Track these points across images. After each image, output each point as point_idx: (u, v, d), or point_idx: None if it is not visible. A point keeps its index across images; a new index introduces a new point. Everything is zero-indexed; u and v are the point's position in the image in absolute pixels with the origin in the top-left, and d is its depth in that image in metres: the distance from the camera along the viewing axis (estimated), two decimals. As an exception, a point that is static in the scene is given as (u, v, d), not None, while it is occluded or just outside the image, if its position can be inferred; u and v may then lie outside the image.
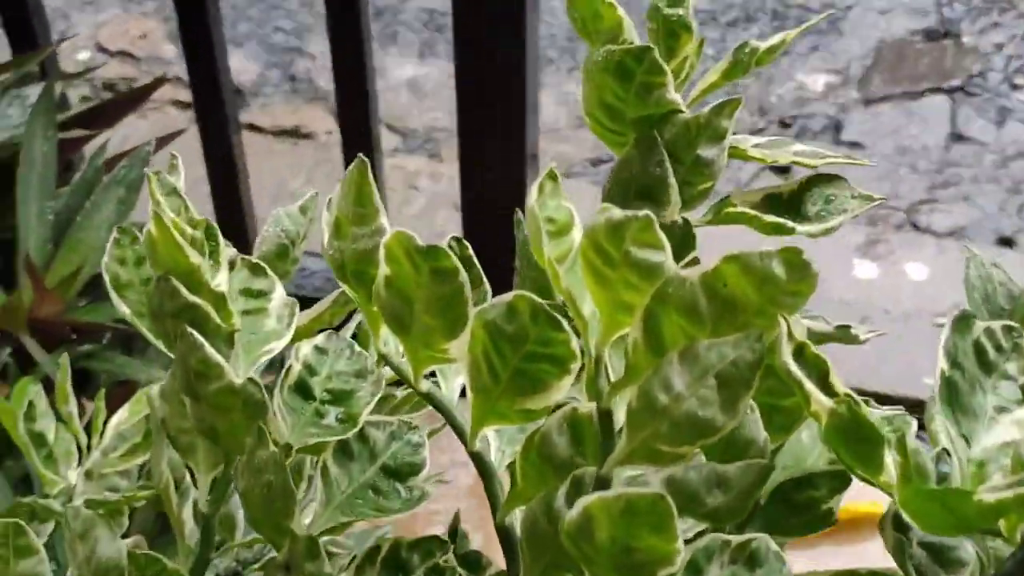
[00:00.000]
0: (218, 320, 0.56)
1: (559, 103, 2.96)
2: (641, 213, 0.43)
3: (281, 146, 2.81)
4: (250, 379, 0.55)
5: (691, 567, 0.50)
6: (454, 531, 0.68)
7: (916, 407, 0.52)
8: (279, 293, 0.65)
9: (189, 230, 0.59)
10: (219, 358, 0.55)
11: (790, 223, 0.63)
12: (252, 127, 2.88)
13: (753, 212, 0.63)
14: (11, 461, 1.29)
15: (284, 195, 2.58)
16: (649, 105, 0.61)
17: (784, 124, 2.80)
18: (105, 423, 0.95)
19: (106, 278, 0.69)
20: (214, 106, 1.89)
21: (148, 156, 1.53)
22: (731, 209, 0.64)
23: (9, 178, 1.48)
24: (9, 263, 1.50)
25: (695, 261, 0.52)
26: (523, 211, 1.70)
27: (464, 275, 0.49)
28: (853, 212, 0.64)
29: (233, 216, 2.06)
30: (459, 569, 0.65)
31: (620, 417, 0.48)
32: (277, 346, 0.63)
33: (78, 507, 0.72)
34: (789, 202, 0.65)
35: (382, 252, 0.51)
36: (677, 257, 0.62)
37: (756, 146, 0.66)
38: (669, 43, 0.64)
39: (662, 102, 0.60)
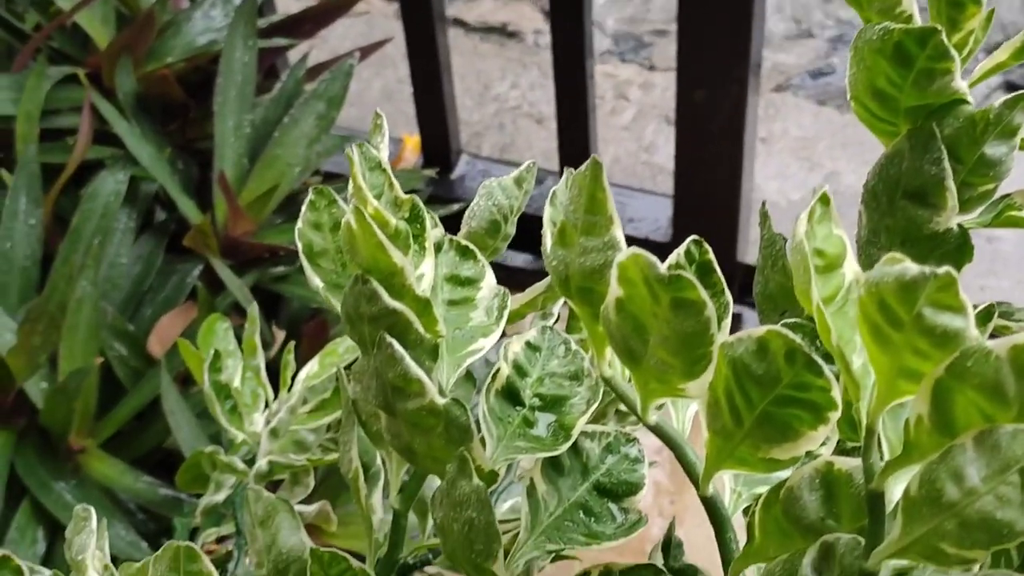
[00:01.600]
0: (421, 330, 0.50)
1: (778, 8, 2.84)
2: (942, 270, 0.36)
3: (487, 46, 2.75)
4: (455, 400, 0.49)
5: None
6: (668, 542, 0.62)
7: None
8: (489, 280, 0.59)
9: (393, 220, 0.53)
10: (420, 374, 0.49)
11: (1085, 234, 0.55)
12: (457, 21, 2.82)
13: (1042, 219, 0.55)
14: (197, 388, 1.26)
15: (488, 99, 2.52)
16: (929, 94, 0.53)
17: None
18: (294, 377, 0.90)
19: (299, 246, 0.64)
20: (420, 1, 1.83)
21: (351, 69, 1.48)
22: (1014, 212, 0.56)
23: (209, 85, 1.44)
24: (205, 178, 1.47)
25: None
26: (742, 128, 1.61)
27: (711, 310, 0.43)
28: None
29: (435, 119, 2.01)
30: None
31: (892, 497, 0.41)
32: (485, 344, 0.57)
33: (259, 490, 0.67)
34: (1085, 204, 0.57)
35: (615, 272, 0.44)
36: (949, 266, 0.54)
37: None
38: (951, 14, 0.56)
39: (945, 92, 0.52)
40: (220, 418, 0.89)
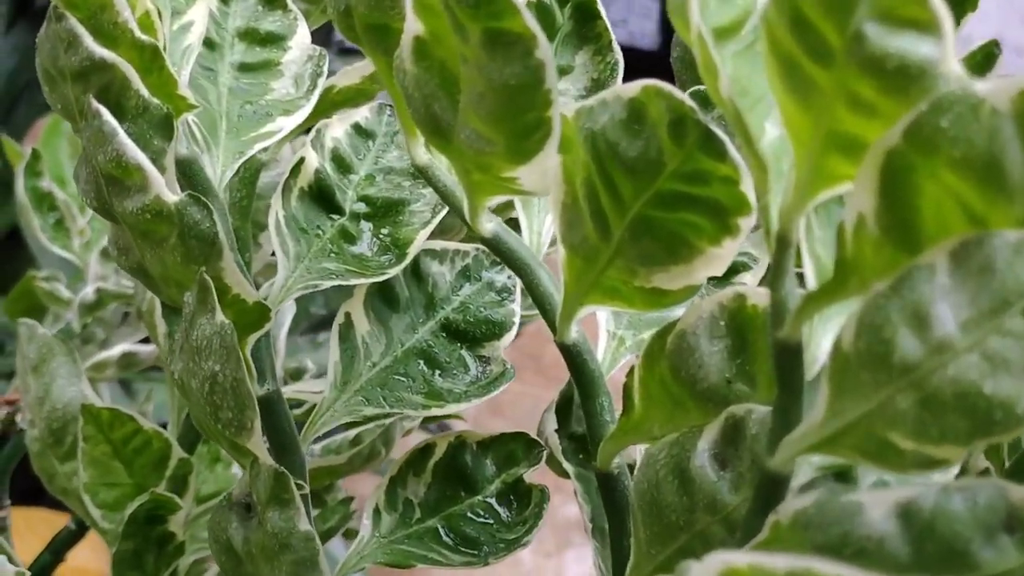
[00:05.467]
0: (146, 93, 0.35)
1: None
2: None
3: None
4: (192, 197, 0.35)
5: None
6: (565, 402, 0.48)
7: None
8: (301, 39, 0.44)
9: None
10: (140, 157, 0.34)
11: None
12: None
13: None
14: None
15: None
16: None
17: None
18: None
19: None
20: None
21: None
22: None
23: None
24: None
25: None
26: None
27: (545, 50, 0.28)
28: None
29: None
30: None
31: (818, 354, 0.26)
32: (286, 124, 0.42)
33: (32, 324, 0.53)
34: None
35: (408, -6, 0.29)
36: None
37: None
38: None
39: None
40: (39, 234, 0.74)
